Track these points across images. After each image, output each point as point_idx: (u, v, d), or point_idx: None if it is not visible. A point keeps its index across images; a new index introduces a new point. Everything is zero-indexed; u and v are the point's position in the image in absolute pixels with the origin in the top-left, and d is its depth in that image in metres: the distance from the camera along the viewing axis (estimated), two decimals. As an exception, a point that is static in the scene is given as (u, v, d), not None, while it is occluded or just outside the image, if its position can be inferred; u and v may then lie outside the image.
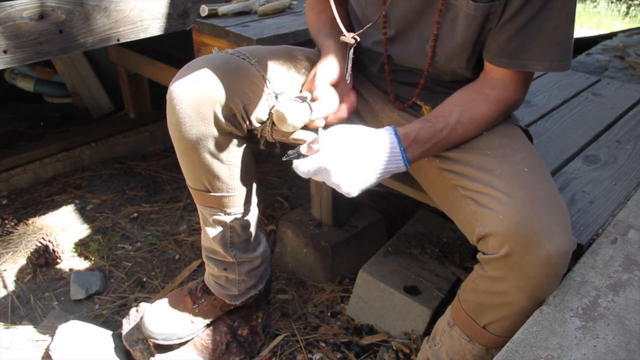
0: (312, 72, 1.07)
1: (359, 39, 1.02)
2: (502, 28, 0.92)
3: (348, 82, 1.07)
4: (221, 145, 1.07)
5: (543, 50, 0.92)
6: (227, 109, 1.03)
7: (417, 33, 1.02)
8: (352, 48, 1.03)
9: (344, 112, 1.06)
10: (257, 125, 1.08)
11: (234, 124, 1.06)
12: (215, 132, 1.05)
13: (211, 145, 1.06)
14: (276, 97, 1.07)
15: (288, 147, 1.01)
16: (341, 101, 1.06)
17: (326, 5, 1.14)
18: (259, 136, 1.09)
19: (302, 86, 1.10)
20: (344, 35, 1.02)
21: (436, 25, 0.97)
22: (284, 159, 0.93)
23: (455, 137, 0.97)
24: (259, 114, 1.07)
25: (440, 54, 1.01)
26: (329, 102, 1.03)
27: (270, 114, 1.07)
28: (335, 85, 1.05)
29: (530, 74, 1.01)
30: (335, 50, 1.06)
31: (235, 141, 1.09)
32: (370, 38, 1.11)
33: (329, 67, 1.04)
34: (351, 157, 0.89)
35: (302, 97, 1.02)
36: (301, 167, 0.90)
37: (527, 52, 0.93)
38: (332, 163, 0.88)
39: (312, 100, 1.02)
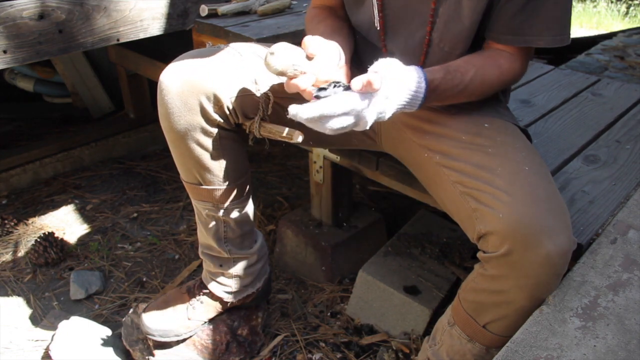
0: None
1: None
2: (504, 6, 0.94)
3: (378, 28, 1.05)
4: (210, 137, 1.07)
5: (545, 26, 0.94)
6: (214, 101, 1.04)
7: (416, 20, 1.03)
8: None
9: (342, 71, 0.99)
10: (244, 120, 1.08)
11: (221, 116, 1.06)
12: (203, 123, 1.05)
13: (199, 136, 1.06)
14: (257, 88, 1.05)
15: (277, 143, 0.98)
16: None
17: (328, 15, 1.15)
18: (247, 131, 1.09)
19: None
20: None
21: (431, 12, 0.98)
22: (317, 93, 0.82)
23: (462, 95, 0.97)
24: (247, 109, 1.07)
25: (445, 40, 1.01)
26: (326, 58, 0.92)
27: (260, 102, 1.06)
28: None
29: (531, 53, 1.03)
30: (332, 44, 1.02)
31: (224, 134, 1.09)
32: (372, 33, 1.11)
33: (322, 43, 0.96)
34: (390, 103, 0.85)
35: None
36: (367, 112, 0.81)
37: (530, 28, 0.95)
38: (379, 107, 0.83)
39: (308, 58, 0.91)
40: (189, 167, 1.13)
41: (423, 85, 0.89)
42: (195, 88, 1.01)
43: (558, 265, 0.85)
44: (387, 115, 0.87)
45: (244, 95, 1.06)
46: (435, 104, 0.99)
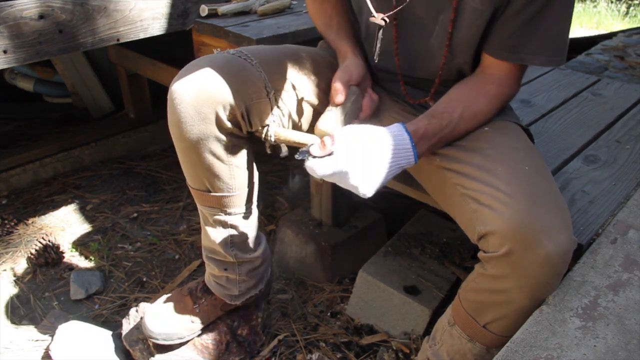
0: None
1: (388, 21, 1.01)
2: (505, 23, 0.94)
3: (376, 61, 1.07)
4: (222, 145, 1.07)
5: (541, 46, 0.94)
6: (229, 110, 1.03)
7: (424, 30, 1.02)
8: (381, 29, 1.03)
9: (366, 110, 1.08)
10: (259, 127, 1.08)
11: (235, 124, 1.06)
12: (217, 132, 1.05)
13: (212, 145, 1.06)
14: (267, 93, 1.07)
15: (293, 149, 1.00)
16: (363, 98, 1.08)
17: None
18: (262, 138, 1.09)
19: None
20: (373, 16, 1.02)
21: (450, 23, 0.97)
22: (296, 156, 0.91)
23: (457, 132, 0.99)
24: (260, 116, 1.07)
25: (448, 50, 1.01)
26: (356, 103, 1.04)
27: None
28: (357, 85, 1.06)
29: (524, 70, 1.03)
30: (353, 51, 1.08)
31: (236, 141, 1.09)
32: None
33: (346, 70, 1.05)
34: (366, 158, 0.88)
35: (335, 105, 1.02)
36: (317, 169, 0.88)
37: (527, 47, 0.95)
38: (349, 165, 0.87)
39: (336, 105, 1.02)
40: (198, 174, 1.12)
41: (405, 135, 0.92)
42: (211, 98, 1.01)
43: (558, 265, 0.85)
44: (382, 176, 0.90)
45: (258, 102, 1.06)
46: (439, 148, 1.00)
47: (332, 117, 0.99)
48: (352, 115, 1.03)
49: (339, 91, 1.01)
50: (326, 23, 1.14)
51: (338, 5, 1.15)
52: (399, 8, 1.00)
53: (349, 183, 0.89)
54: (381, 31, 1.03)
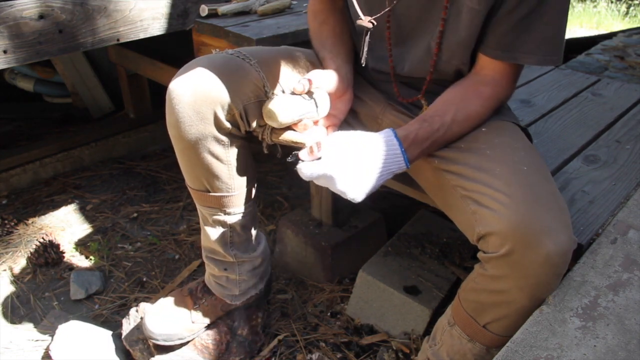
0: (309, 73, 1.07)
1: (375, 23, 1.01)
2: (499, 21, 0.94)
3: (363, 65, 1.07)
4: (221, 145, 1.07)
5: (536, 45, 0.94)
6: (227, 110, 1.03)
7: (422, 31, 1.02)
8: (369, 33, 1.03)
9: (338, 117, 1.09)
10: (256, 127, 1.08)
11: (233, 124, 1.06)
12: (215, 132, 1.05)
13: (211, 145, 1.06)
14: (266, 93, 1.06)
15: (290, 149, 1.00)
16: (336, 106, 1.08)
17: (328, 16, 1.15)
18: (259, 138, 1.09)
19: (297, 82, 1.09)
20: (360, 19, 1.02)
21: (442, 22, 0.97)
22: (288, 159, 0.94)
23: (450, 135, 0.99)
24: (258, 116, 1.07)
25: (443, 50, 1.01)
26: (323, 105, 1.03)
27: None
28: (331, 94, 1.06)
29: (519, 70, 1.03)
30: (338, 69, 1.07)
31: (234, 141, 1.09)
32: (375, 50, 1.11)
33: (327, 76, 1.04)
34: (354, 164, 0.90)
35: (294, 93, 1.00)
36: (305, 170, 0.91)
37: (521, 46, 0.94)
38: (335, 171, 0.89)
39: (309, 93, 1.00)
40: (197, 174, 1.12)
41: (395, 141, 0.93)
42: (209, 97, 1.01)
43: (558, 265, 0.85)
44: (371, 182, 0.91)
45: (256, 102, 1.06)
46: (434, 151, 1.00)
47: (284, 101, 0.99)
48: (302, 109, 1.00)
49: (303, 83, 0.99)
50: (322, 42, 1.13)
51: (337, 32, 1.14)
52: (386, 10, 1.00)
53: (336, 188, 0.91)
54: (369, 34, 1.03)
